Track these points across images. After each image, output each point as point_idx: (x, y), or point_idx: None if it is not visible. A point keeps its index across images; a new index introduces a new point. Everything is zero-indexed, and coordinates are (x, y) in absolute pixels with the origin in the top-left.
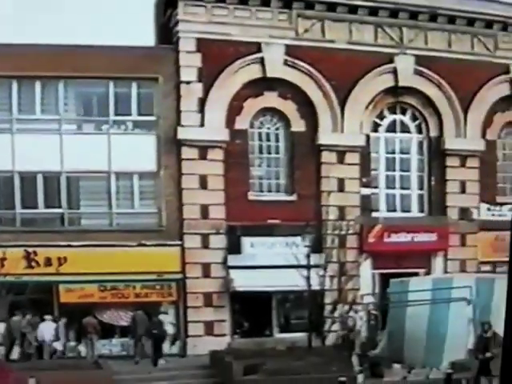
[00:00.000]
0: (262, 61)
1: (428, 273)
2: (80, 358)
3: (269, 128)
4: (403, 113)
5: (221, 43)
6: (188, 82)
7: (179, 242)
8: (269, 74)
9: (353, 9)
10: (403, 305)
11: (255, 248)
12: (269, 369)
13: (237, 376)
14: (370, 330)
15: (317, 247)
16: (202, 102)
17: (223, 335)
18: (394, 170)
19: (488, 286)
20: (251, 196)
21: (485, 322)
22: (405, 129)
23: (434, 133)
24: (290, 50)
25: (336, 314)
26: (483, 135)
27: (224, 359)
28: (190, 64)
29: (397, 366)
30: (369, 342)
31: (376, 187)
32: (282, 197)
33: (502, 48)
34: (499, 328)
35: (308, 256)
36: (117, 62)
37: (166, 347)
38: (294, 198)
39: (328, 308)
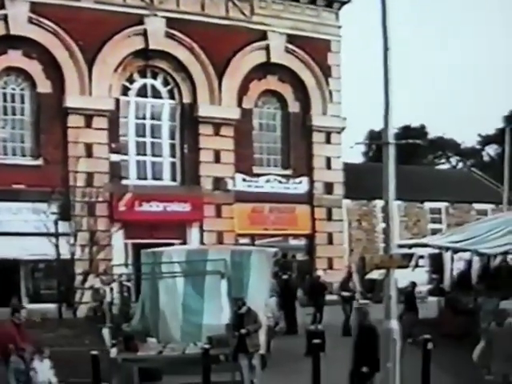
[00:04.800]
0: (5, 18)
1: (183, 244)
2: None
3: (13, 88)
4: (154, 77)
5: None
6: None
7: None
8: (12, 32)
9: None
10: (156, 277)
11: (0, 214)
12: None
13: None
14: (122, 302)
15: (66, 215)
16: None
17: None
18: (145, 137)
19: (244, 259)
20: None
21: (238, 298)
22: (156, 94)
23: (187, 99)
24: (36, 8)
25: (87, 285)
26: (239, 103)
27: None
28: None
29: (152, 340)
30: (122, 314)
31: (125, 154)
32: (28, 161)
33: (258, 13)
34: (257, 301)
35: (56, 223)
36: None
37: None
38: (39, 162)
39: (79, 278)
